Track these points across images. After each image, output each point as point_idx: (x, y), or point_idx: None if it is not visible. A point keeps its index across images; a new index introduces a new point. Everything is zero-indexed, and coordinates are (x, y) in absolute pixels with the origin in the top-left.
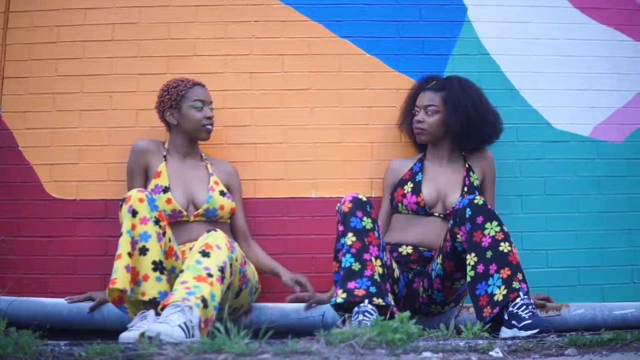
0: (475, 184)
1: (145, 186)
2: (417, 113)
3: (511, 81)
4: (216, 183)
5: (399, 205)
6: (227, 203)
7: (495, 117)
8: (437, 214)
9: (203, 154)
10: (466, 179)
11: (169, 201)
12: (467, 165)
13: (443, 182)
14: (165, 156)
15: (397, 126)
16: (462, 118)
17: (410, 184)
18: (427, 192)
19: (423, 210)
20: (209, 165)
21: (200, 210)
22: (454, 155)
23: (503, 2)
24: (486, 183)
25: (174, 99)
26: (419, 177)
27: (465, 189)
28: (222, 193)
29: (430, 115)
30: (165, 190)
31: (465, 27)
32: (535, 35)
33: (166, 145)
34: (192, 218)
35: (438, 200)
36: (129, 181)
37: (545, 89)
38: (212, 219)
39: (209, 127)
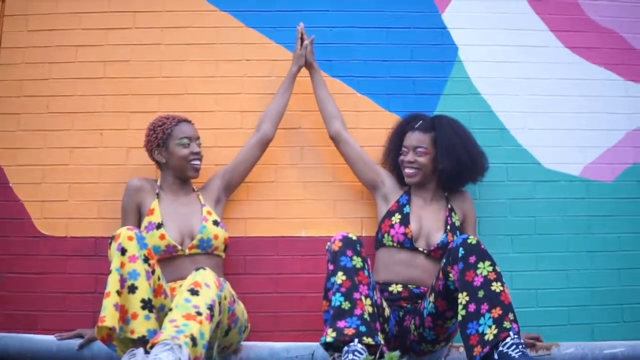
0: (456, 225)
1: (138, 224)
2: (405, 153)
3: (501, 120)
4: (209, 213)
5: (385, 236)
6: (221, 233)
7: (484, 158)
8: (421, 249)
9: (195, 187)
10: (448, 218)
11: (162, 237)
12: (449, 206)
13: (427, 220)
14: (158, 193)
15: (381, 163)
16: (453, 160)
17: (398, 215)
18: (414, 226)
19: (409, 243)
20: (200, 197)
21: (194, 242)
22: (437, 195)
23: (494, 42)
24: (467, 224)
25: (160, 138)
26: (406, 210)
27: (448, 227)
28: (215, 223)
29: (419, 156)
30: (159, 226)
31: (456, 66)
32: (526, 75)
33: (159, 183)
34: (187, 251)
35: (420, 236)
36: (122, 219)
37: (535, 129)
38: (207, 250)
39: (196, 163)
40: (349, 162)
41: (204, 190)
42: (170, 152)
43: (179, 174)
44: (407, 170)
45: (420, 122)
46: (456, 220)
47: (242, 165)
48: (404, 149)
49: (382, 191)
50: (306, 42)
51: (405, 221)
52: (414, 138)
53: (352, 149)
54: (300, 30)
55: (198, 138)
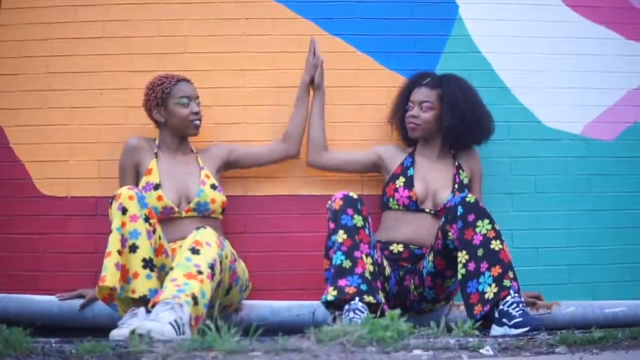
0: (464, 182)
1: (137, 184)
2: (411, 108)
3: (502, 79)
4: (207, 176)
5: (390, 200)
6: (218, 196)
7: (489, 120)
8: (427, 210)
9: (193, 148)
10: (456, 176)
11: (159, 198)
12: (456, 163)
13: (433, 179)
14: (156, 153)
15: (388, 120)
16: (458, 118)
17: (402, 179)
18: (419, 187)
19: (414, 205)
20: (199, 159)
21: (191, 205)
22: (443, 153)
23: (494, 0)
24: (474, 182)
25: (159, 97)
26: (410, 172)
27: (456, 186)
28: (213, 186)
29: (424, 111)
30: (156, 187)
31: (456, 24)
32: (527, 33)
33: (157, 142)
34: (184, 214)
35: (427, 196)
36: (120, 179)
37: (536, 87)
38: (204, 214)
39: (197, 122)
40: (341, 172)
41: (205, 153)
42: (170, 112)
43: (179, 132)
44: (409, 125)
45: (429, 78)
46: (464, 177)
47: (254, 157)
48: (410, 104)
49: (383, 166)
50: (318, 53)
51: (409, 184)
52: (421, 93)
53: (336, 165)
54: (313, 45)
55: (197, 97)
